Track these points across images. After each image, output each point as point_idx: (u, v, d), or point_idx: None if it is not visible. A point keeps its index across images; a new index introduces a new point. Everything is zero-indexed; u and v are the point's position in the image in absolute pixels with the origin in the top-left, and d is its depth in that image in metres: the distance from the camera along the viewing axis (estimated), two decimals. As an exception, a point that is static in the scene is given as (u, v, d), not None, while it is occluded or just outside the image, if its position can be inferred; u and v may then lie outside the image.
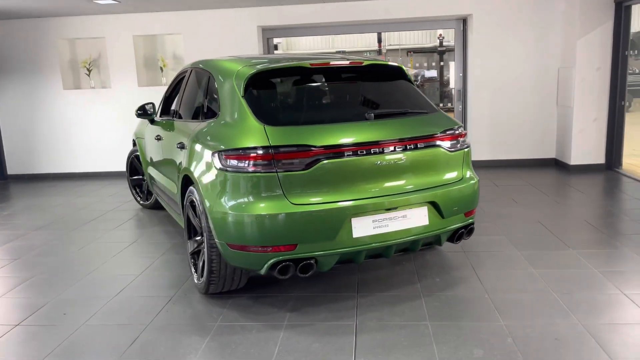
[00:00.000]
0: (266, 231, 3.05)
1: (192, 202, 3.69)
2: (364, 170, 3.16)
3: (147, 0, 7.04)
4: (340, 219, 3.09)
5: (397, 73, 3.83)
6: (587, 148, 7.35)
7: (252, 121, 3.22)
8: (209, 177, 3.29)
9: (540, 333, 2.96)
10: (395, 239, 3.24)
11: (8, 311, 3.56)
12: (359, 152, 3.13)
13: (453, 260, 4.12)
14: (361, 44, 18.48)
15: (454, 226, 3.48)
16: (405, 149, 3.26)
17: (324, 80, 3.62)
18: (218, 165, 3.20)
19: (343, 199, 3.11)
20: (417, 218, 3.29)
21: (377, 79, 3.75)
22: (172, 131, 4.37)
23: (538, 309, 3.25)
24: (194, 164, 3.53)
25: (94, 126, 8.48)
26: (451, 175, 3.48)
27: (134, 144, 6.34)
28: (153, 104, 5.24)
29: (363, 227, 3.15)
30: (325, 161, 3.07)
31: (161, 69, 8.42)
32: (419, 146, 3.31)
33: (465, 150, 3.58)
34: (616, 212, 5.33)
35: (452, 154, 3.48)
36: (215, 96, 3.74)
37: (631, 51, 7.11)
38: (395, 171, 3.24)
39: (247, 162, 3.08)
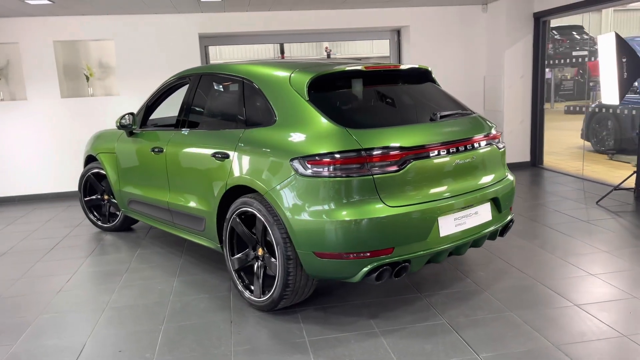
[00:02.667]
0: (365, 236, 2.97)
1: (242, 215, 3.45)
2: (445, 169, 3.22)
3: (73, 2, 6.35)
4: (432, 219, 3.12)
5: (428, 76, 3.94)
6: (516, 147, 8.13)
7: (330, 124, 3.12)
8: (287, 185, 3.11)
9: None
10: (471, 236, 3.35)
11: None
12: (440, 152, 3.18)
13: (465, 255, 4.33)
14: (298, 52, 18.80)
15: (505, 220, 3.67)
16: (473, 148, 3.38)
17: (377, 83, 3.61)
18: (302, 171, 3.04)
19: (431, 198, 3.14)
20: (484, 214, 3.43)
21: (415, 82, 3.82)
22: (192, 141, 4.02)
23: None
24: (256, 172, 3.31)
25: (6, 144, 7.42)
26: (500, 172, 3.67)
27: (88, 161, 5.69)
28: (133, 114, 4.78)
29: (447, 226, 3.20)
30: (414, 162, 3.08)
31: (87, 78, 7.65)
32: (482, 145, 3.46)
33: (504, 148, 3.80)
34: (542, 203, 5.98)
35: (500, 151, 3.68)
36: (260, 102, 3.56)
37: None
38: (468, 169, 3.34)
39: (338, 166, 2.97)
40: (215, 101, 4.18)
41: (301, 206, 3.05)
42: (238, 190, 3.56)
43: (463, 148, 3.30)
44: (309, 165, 3.03)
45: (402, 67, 3.73)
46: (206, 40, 7.91)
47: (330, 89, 3.41)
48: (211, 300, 3.70)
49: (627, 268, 3.90)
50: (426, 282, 3.83)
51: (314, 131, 3.14)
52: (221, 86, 4.07)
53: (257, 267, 3.47)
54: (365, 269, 3.00)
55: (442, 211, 3.15)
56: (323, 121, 3.15)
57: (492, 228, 3.51)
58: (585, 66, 10.69)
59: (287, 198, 3.11)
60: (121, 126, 4.79)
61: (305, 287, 3.31)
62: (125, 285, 4.05)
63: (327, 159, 2.98)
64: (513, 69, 7.91)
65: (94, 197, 5.68)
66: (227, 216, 3.60)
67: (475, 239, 3.38)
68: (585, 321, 3.12)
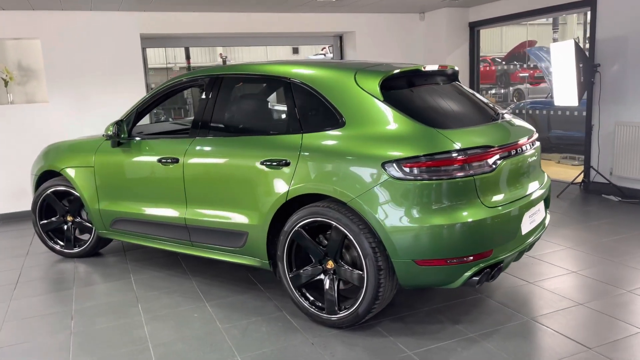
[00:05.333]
0: (470, 239, 2.88)
1: (306, 227, 3.19)
2: (520, 167, 3.24)
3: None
4: (520, 216, 3.12)
5: (457, 76, 3.96)
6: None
7: (418, 125, 2.99)
8: (379, 191, 2.91)
9: None
10: (537, 233, 3.41)
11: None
12: (517, 150, 3.19)
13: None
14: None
15: (548, 218, 3.80)
16: (533, 146, 3.45)
17: (432, 83, 3.54)
18: (397, 175, 2.87)
19: (516, 196, 3.14)
20: (542, 211, 3.51)
21: (452, 81, 3.80)
22: (225, 150, 3.61)
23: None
24: (334, 179, 3.05)
25: None
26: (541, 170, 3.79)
27: (42, 178, 4.90)
28: (121, 122, 4.20)
29: (526, 224, 3.22)
30: (504, 161, 3.05)
31: (5, 82, 6.59)
32: (536, 143, 3.55)
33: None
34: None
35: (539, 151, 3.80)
36: (317, 104, 3.31)
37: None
38: (532, 167, 3.40)
39: (439, 168, 2.85)
40: (250, 105, 3.81)
41: (399, 212, 2.88)
42: (294, 201, 3.28)
43: (528, 147, 3.35)
44: (406, 169, 2.86)
45: (448, 67, 3.69)
46: (146, 42, 7.24)
47: (399, 89, 3.27)
48: (268, 322, 3.35)
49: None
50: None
51: (402, 133, 2.98)
52: (257, 89, 3.72)
53: (330, 282, 3.20)
54: (468, 273, 2.91)
55: (526, 208, 3.17)
56: (409, 122, 3.01)
57: (545, 225, 3.61)
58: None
59: (381, 204, 2.91)
60: (110, 136, 4.18)
61: (389, 299, 3.14)
62: (152, 317, 3.52)
63: (428, 161, 2.85)
64: (452, 74, 8.30)
65: (53, 219, 4.89)
66: (286, 228, 3.29)
67: (538, 236, 3.45)
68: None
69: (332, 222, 3.07)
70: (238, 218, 3.56)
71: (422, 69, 3.43)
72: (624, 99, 6.00)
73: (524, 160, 3.25)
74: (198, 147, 3.76)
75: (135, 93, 6.94)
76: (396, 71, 3.28)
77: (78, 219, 4.81)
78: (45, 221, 4.89)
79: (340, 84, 3.26)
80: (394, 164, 2.88)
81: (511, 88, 12.31)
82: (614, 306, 3.33)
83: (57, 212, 4.88)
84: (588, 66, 6.01)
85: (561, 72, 6.11)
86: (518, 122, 3.58)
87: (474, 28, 8.29)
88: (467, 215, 2.86)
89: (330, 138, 3.17)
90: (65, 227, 4.87)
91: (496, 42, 20.08)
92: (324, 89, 3.29)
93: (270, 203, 3.34)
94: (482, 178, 2.93)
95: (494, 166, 2.98)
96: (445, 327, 3.17)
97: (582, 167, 6.74)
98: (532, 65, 14.46)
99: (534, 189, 3.34)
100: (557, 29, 12.87)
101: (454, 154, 2.86)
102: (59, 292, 4.04)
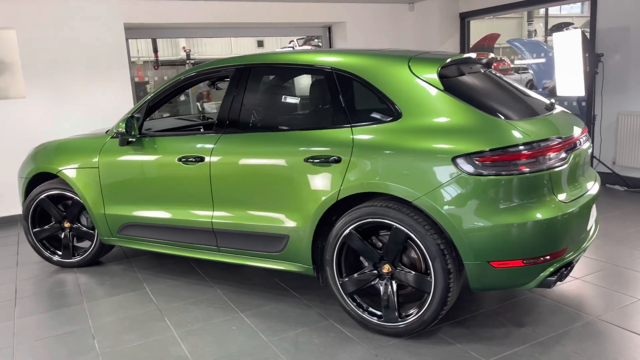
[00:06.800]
0: (546, 237, 2.70)
1: (359, 228, 2.94)
2: (582, 160, 3.08)
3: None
4: (589, 212, 2.97)
5: (491, 64, 3.78)
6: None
7: (487, 116, 2.78)
8: (450, 188, 2.69)
9: None
10: (596, 230, 3.27)
11: None
12: (578, 143, 3.03)
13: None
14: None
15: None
16: (587, 138, 3.29)
17: (484, 72, 3.33)
18: (470, 170, 2.65)
19: (583, 190, 2.98)
20: (595, 207, 3.37)
21: (489, 69, 3.62)
22: (260, 147, 3.31)
23: None
24: (395, 175, 2.81)
25: None
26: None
27: (33, 182, 4.44)
28: (133, 118, 3.82)
29: (590, 220, 3.07)
30: (571, 153, 2.89)
31: (-24, 77, 6.01)
32: (587, 136, 3.40)
33: None
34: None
35: None
36: (367, 95, 3.07)
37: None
38: (587, 161, 3.24)
39: (516, 161, 2.65)
40: (284, 98, 3.51)
41: (473, 210, 2.67)
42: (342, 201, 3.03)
43: (585, 137, 3.20)
44: (480, 163, 2.65)
45: (490, 55, 3.50)
46: (130, 33, 6.77)
47: (451, 78, 3.05)
48: (318, 333, 3.08)
49: None
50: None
51: (471, 124, 2.76)
52: (292, 80, 3.42)
53: (388, 287, 2.96)
54: (544, 274, 2.73)
55: (592, 202, 3.02)
56: (476, 113, 2.79)
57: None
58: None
59: (452, 203, 2.69)
60: (121, 134, 3.79)
61: (452, 303, 2.93)
62: (185, 332, 3.19)
63: (503, 155, 2.64)
64: (444, 66, 8.19)
65: (46, 226, 4.44)
66: (335, 231, 3.03)
67: (596, 233, 3.31)
68: None
69: (393, 223, 2.83)
70: (277, 220, 3.27)
71: (474, 57, 3.24)
72: (627, 89, 6.01)
73: (584, 153, 3.10)
74: (227, 145, 3.43)
75: (120, 87, 6.50)
76: (452, 59, 3.07)
77: (76, 225, 4.39)
78: (37, 229, 4.44)
79: (393, 73, 3.01)
80: (467, 159, 2.66)
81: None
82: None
83: (51, 218, 4.43)
84: (592, 56, 5.98)
85: (565, 62, 6.05)
86: (567, 112, 3.43)
87: (465, 19, 8.19)
88: (546, 212, 2.68)
89: (386, 131, 2.92)
90: (63, 234, 4.43)
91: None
92: (374, 79, 3.03)
93: (317, 204, 3.07)
94: (556, 172, 2.75)
95: (566, 159, 2.81)
96: (511, 330, 2.99)
97: (582, 158, 6.73)
98: (498, 58, 14.63)
99: (593, 182, 3.19)
100: (532, 20, 13.01)
101: (532, 146, 2.67)
102: (68, 308, 3.64)
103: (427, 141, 2.79)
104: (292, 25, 7.94)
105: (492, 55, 3.51)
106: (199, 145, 3.54)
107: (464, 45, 8.29)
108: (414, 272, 2.88)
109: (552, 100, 3.30)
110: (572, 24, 17.14)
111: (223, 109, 3.54)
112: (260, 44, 22.04)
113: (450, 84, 2.94)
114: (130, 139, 3.85)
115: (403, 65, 3.02)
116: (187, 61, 17.81)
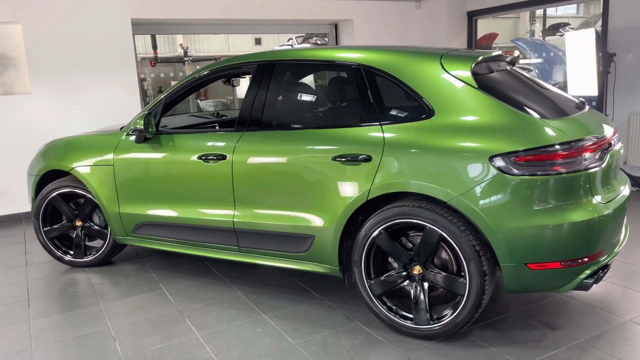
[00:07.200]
0: (585, 239, 2.65)
1: (389, 229, 2.87)
2: (616, 161, 3.03)
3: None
4: (624, 214, 2.92)
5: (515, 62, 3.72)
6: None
7: (523, 115, 2.72)
8: (486, 188, 2.63)
9: None
10: (627, 232, 3.22)
11: None
12: (612, 144, 2.98)
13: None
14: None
15: None
16: (618, 139, 3.24)
17: (510, 69, 3.28)
18: (507, 170, 2.59)
19: (618, 191, 2.93)
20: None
21: (513, 66, 3.56)
22: (286, 145, 3.23)
23: None
24: (429, 175, 2.74)
25: None
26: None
27: (44, 180, 4.34)
28: (150, 115, 3.73)
29: (624, 222, 3.03)
30: (607, 154, 2.84)
31: (-20, 72, 5.89)
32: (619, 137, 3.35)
33: None
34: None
35: None
36: (396, 92, 3.01)
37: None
38: (619, 162, 3.19)
39: (554, 161, 2.59)
40: (310, 95, 3.43)
41: (512, 211, 2.61)
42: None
43: (617, 138, 3.15)
44: (518, 163, 2.59)
45: (516, 53, 3.45)
46: (138, 28, 6.66)
47: (482, 75, 2.99)
48: (346, 335, 3.01)
49: None
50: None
51: (507, 123, 2.70)
52: (317, 76, 3.35)
53: (419, 289, 2.89)
54: (582, 276, 2.68)
55: (626, 204, 2.97)
56: (512, 111, 2.74)
57: None
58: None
59: (490, 203, 2.63)
60: (139, 130, 3.70)
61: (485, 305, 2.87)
62: (209, 334, 3.11)
63: (542, 154, 2.59)
64: (451, 64, 8.14)
65: (56, 226, 4.34)
66: (364, 232, 2.96)
67: (627, 235, 3.26)
68: None
69: (426, 224, 2.77)
70: (303, 220, 3.19)
71: (502, 54, 3.18)
72: (639, 89, 5.98)
73: (617, 154, 3.05)
74: (250, 143, 3.35)
75: (127, 84, 6.39)
76: (484, 56, 3.01)
77: (88, 224, 4.29)
78: (48, 228, 4.34)
79: (425, 70, 2.95)
80: (504, 158, 2.60)
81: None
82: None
83: (62, 217, 4.34)
84: (604, 56, 5.95)
85: (578, 61, 6.01)
86: (597, 112, 3.38)
87: (472, 17, 8.14)
88: (584, 213, 2.62)
89: (419, 129, 2.85)
90: (74, 233, 4.33)
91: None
92: (405, 76, 2.97)
93: (346, 203, 3.00)
94: (594, 172, 2.69)
95: (603, 159, 2.76)
96: (545, 333, 2.93)
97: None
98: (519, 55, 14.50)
99: (624, 184, 3.14)
100: (534, 20, 13.01)
101: (570, 146, 2.61)
102: (84, 309, 3.55)
103: (462, 140, 2.73)
104: (300, 23, 7.85)
105: (517, 52, 3.46)
106: (220, 143, 3.46)
107: (471, 44, 8.25)
108: (446, 274, 2.81)
109: (582, 99, 3.25)
110: (569, 24, 17.14)
111: (245, 106, 3.45)
112: (257, 41, 21.93)
113: (482, 82, 2.88)
114: (147, 136, 3.76)
115: (435, 62, 2.95)
116: (185, 58, 17.67)
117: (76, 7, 5.98)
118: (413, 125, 2.88)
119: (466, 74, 2.86)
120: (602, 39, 6.19)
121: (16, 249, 4.91)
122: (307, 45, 14.92)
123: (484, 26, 16.92)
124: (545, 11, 17.68)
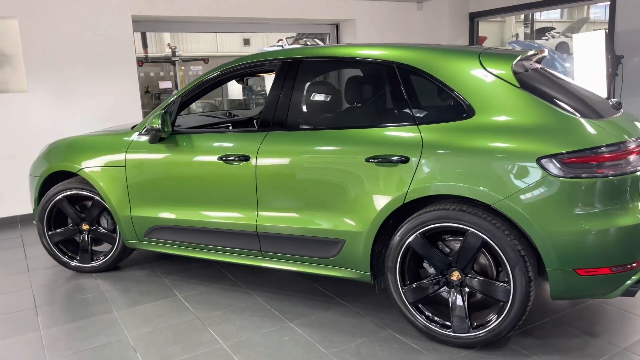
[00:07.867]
0: (634, 244, 2.56)
1: (426, 233, 2.76)
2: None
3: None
4: (665, 217, 2.84)
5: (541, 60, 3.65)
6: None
7: (569, 115, 2.64)
8: (534, 191, 2.53)
9: None
10: None
11: None
12: (653, 142, 2.90)
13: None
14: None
15: None
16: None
17: (540, 69, 3.18)
18: (555, 172, 2.50)
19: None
20: None
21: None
22: (314, 145, 3.10)
23: None
24: (471, 177, 2.64)
25: None
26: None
27: (48, 182, 4.14)
28: (166, 114, 3.56)
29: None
30: (650, 154, 2.76)
31: (-26, 69, 5.65)
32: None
33: None
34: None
35: None
36: (434, 91, 2.91)
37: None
38: None
39: (603, 163, 2.51)
40: (339, 94, 3.30)
41: (561, 215, 2.51)
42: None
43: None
44: (567, 164, 2.50)
45: (545, 52, 3.37)
46: (139, 25, 6.47)
47: (524, 74, 2.90)
48: (380, 344, 2.89)
49: None
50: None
51: (554, 124, 2.61)
52: (347, 74, 3.23)
53: (458, 296, 2.78)
54: (630, 282, 2.59)
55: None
56: (557, 111, 2.65)
57: None
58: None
59: (537, 206, 2.53)
60: (155, 130, 3.53)
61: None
62: (235, 344, 2.96)
63: (592, 155, 2.50)
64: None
65: (60, 229, 4.14)
66: (399, 236, 2.84)
67: None
68: None
69: (469, 228, 2.66)
70: (332, 224, 3.06)
71: (540, 52, 3.10)
72: (647, 92, 5.98)
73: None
74: (275, 144, 3.21)
75: (126, 82, 6.20)
76: (522, 55, 2.92)
77: (94, 228, 4.11)
78: (52, 232, 4.14)
79: (463, 68, 2.84)
80: (553, 160, 2.51)
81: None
82: None
83: (67, 220, 4.14)
84: (613, 58, 5.93)
85: (586, 63, 5.99)
86: (632, 113, 3.32)
87: (474, 18, 8.10)
88: (633, 217, 2.54)
89: (459, 130, 2.75)
90: (80, 237, 4.14)
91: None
92: (443, 74, 2.86)
93: (380, 206, 2.88)
94: (638, 176, 2.61)
95: (647, 162, 2.68)
96: (586, 341, 2.84)
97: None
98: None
99: None
100: (529, 23, 13.08)
101: (614, 148, 2.53)
102: (97, 317, 3.37)
103: (507, 140, 2.63)
104: (302, 22, 7.73)
105: (546, 51, 3.38)
106: (242, 144, 3.31)
107: (473, 43, 8.20)
108: (487, 280, 2.71)
109: (618, 100, 3.17)
110: (554, 28, 17.30)
111: (269, 106, 3.32)
112: (246, 42, 21.72)
113: (523, 80, 2.79)
114: (162, 136, 3.60)
115: (474, 60, 2.85)
116: (174, 58, 17.40)
117: (75, 2, 5.77)
118: (452, 125, 2.77)
119: (507, 72, 2.77)
120: (609, 41, 6.17)
121: (15, 254, 4.70)
122: (298, 47, 14.73)
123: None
124: (532, 15, 17.86)
